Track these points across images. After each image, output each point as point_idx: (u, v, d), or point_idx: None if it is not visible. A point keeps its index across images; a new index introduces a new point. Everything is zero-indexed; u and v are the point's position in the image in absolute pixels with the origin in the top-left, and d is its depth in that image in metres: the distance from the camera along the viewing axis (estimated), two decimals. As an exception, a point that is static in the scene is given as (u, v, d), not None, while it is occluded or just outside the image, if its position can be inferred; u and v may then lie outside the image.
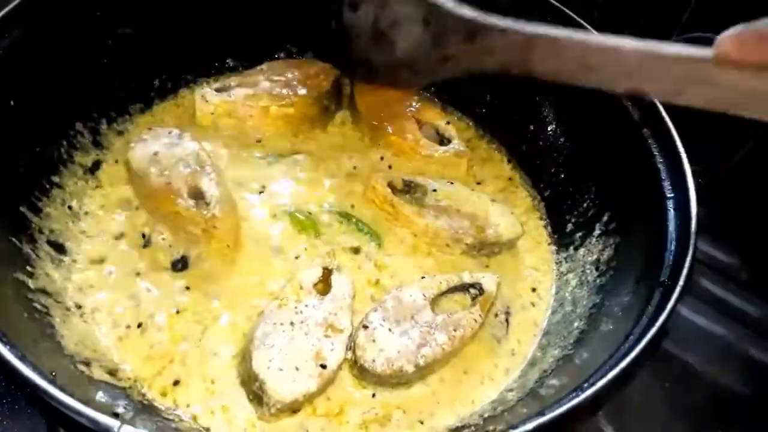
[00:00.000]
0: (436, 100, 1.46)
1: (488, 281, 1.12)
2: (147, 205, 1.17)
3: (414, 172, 1.28)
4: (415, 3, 1.13)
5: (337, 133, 1.37)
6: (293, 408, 0.97)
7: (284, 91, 1.32)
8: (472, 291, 1.12)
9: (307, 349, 0.98)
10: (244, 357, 1.00)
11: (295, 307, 1.03)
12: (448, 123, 1.35)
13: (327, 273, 1.10)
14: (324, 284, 1.09)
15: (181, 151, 1.18)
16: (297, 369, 0.96)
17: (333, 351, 0.99)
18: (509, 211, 1.24)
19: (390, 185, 1.23)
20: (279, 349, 0.97)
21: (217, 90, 1.31)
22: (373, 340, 1.02)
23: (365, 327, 1.03)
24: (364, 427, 0.99)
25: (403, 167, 1.30)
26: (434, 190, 1.22)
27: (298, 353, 0.98)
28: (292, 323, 1.00)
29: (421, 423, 1.00)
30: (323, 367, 0.98)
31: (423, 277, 1.13)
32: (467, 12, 1.08)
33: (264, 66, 1.37)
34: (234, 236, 1.13)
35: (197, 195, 1.13)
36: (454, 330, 1.05)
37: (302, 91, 1.32)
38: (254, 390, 0.96)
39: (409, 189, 1.25)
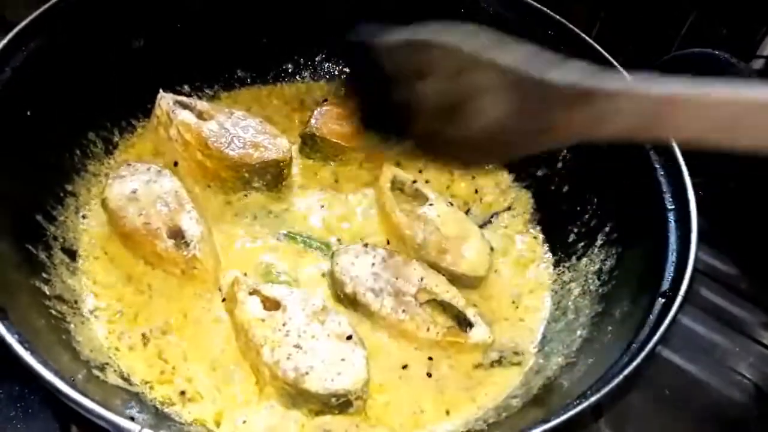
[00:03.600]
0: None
1: (478, 331, 1.09)
2: (125, 243, 1.14)
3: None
4: (498, 71, 0.87)
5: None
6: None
7: (221, 140, 1.21)
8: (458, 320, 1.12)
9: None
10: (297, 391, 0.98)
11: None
12: None
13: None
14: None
15: (159, 188, 1.15)
16: (343, 360, 0.99)
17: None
18: (488, 251, 1.21)
19: (395, 183, 1.28)
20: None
21: (179, 102, 1.26)
22: (353, 264, 1.12)
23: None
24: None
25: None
26: (431, 204, 1.24)
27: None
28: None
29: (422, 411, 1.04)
30: (349, 338, 1.02)
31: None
32: (570, 75, 0.84)
33: (240, 113, 1.29)
34: (215, 276, 1.12)
35: (176, 233, 1.11)
36: (402, 312, 1.08)
37: (231, 151, 1.21)
38: (336, 405, 0.98)
39: (410, 194, 1.28)
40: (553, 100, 0.85)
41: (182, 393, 1.01)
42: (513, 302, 1.20)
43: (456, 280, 1.17)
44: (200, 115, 1.25)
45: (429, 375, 1.07)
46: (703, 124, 0.77)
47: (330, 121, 1.36)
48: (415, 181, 1.28)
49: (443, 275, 1.16)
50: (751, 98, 0.75)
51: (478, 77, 0.89)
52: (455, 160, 1.13)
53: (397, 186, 1.28)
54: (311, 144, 1.35)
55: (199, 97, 1.41)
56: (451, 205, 1.27)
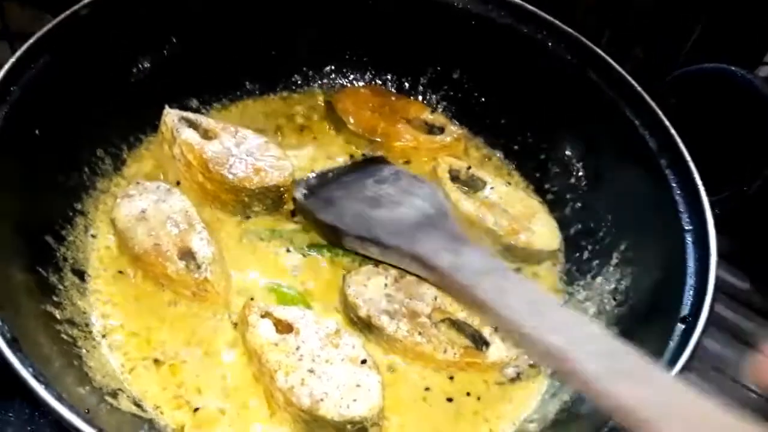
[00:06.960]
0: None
1: (496, 349, 1.07)
2: (135, 264, 1.12)
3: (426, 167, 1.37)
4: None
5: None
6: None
7: (222, 162, 1.18)
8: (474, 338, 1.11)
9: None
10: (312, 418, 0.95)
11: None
12: (433, 111, 1.44)
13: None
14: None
15: (168, 208, 1.13)
16: (358, 386, 0.97)
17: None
18: (555, 223, 1.28)
19: (451, 172, 1.30)
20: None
21: (185, 119, 1.23)
22: (365, 286, 1.10)
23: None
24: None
25: (415, 168, 1.35)
26: (491, 187, 1.29)
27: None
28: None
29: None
30: (364, 362, 1.00)
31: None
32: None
33: (246, 131, 1.25)
34: (226, 299, 1.11)
35: (187, 255, 1.09)
36: (419, 335, 1.06)
37: (231, 174, 1.17)
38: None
39: (468, 180, 1.31)
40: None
41: (195, 412, 0.99)
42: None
43: (530, 257, 1.23)
44: (205, 134, 1.22)
45: (449, 400, 1.06)
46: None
47: (355, 101, 1.42)
48: (469, 167, 1.32)
49: (518, 256, 1.22)
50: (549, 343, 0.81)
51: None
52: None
53: (453, 174, 1.31)
54: (332, 115, 1.42)
55: (207, 110, 1.40)
56: (509, 184, 1.32)
